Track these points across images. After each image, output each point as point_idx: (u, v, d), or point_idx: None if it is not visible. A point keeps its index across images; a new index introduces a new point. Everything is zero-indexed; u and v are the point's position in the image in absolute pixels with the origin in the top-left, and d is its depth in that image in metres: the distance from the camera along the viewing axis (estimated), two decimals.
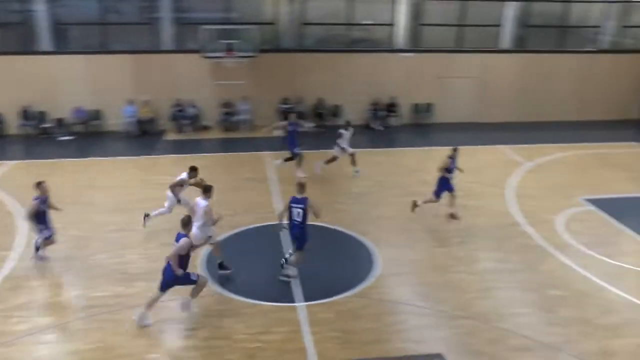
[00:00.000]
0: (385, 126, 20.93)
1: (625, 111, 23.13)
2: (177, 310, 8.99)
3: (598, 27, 22.65)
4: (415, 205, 12.83)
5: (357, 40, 21.48)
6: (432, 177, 15.31)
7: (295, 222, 9.75)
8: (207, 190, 9.89)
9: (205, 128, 20.16)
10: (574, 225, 12.82)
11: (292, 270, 10.14)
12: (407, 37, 21.35)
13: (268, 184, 14.95)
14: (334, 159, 15.32)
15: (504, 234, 12.33)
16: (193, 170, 11.40)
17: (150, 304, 8.75)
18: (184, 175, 11.43)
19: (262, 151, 17.59)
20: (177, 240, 8.56)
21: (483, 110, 21.92)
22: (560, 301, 9.81)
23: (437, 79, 21.34)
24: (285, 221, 9.90)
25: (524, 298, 9.93)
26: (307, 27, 21.00)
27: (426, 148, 18.30)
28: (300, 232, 9.80)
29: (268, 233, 11.70)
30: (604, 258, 11.29)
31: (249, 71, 19.54)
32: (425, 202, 12.78)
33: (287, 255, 10.27)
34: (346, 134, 15.26)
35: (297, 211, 9.68)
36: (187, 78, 19.80)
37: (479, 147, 18.53)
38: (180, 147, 18.29)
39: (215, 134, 19.92)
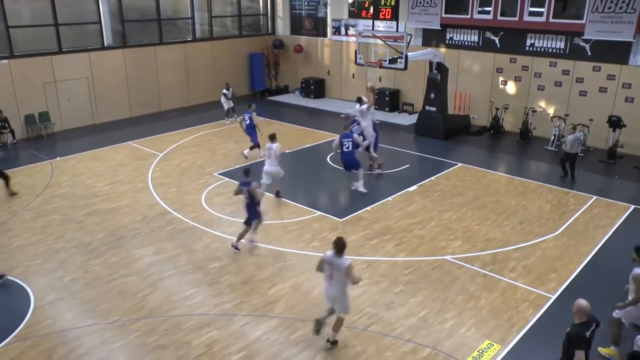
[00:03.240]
0: (0, 145, 18.41)
1: (234, 89, 25.80)
2: None
3: (191, 18, 24.26)
4: None
5: None
6: (68, 190, 14.47)
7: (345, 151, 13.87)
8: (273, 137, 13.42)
9: None
10: (217, 199, 13.80)
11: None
12: None
13: None
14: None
15: (156, 226, 12.38)
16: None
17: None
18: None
19: None
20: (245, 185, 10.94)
21: (101, 110, 21.36)
22: (222, 271, 10.49)
23: (47, 85, 19.70)
24: None
25: (189, 279, 10.25)
26: None
27: (53, 160, 16.85)
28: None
29: None
30: None
31: None
32: None
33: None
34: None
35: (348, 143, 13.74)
36: None
37: (107, 147, 18.08)
38: None
39: None
